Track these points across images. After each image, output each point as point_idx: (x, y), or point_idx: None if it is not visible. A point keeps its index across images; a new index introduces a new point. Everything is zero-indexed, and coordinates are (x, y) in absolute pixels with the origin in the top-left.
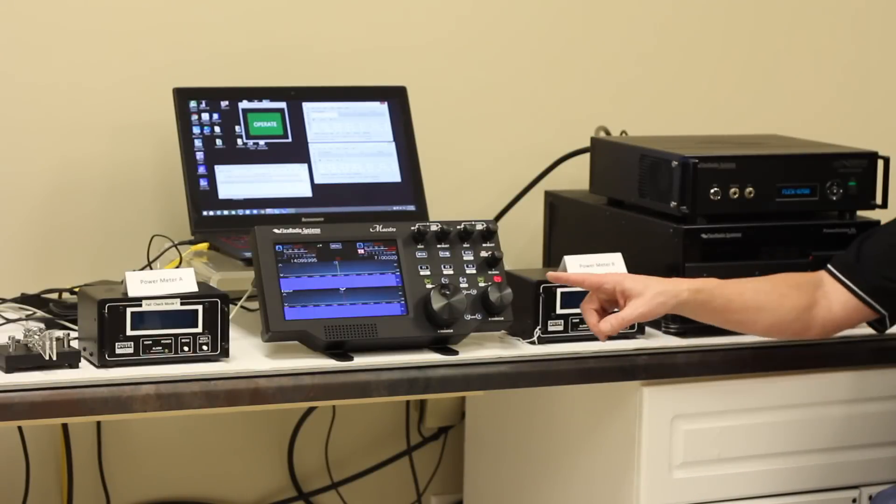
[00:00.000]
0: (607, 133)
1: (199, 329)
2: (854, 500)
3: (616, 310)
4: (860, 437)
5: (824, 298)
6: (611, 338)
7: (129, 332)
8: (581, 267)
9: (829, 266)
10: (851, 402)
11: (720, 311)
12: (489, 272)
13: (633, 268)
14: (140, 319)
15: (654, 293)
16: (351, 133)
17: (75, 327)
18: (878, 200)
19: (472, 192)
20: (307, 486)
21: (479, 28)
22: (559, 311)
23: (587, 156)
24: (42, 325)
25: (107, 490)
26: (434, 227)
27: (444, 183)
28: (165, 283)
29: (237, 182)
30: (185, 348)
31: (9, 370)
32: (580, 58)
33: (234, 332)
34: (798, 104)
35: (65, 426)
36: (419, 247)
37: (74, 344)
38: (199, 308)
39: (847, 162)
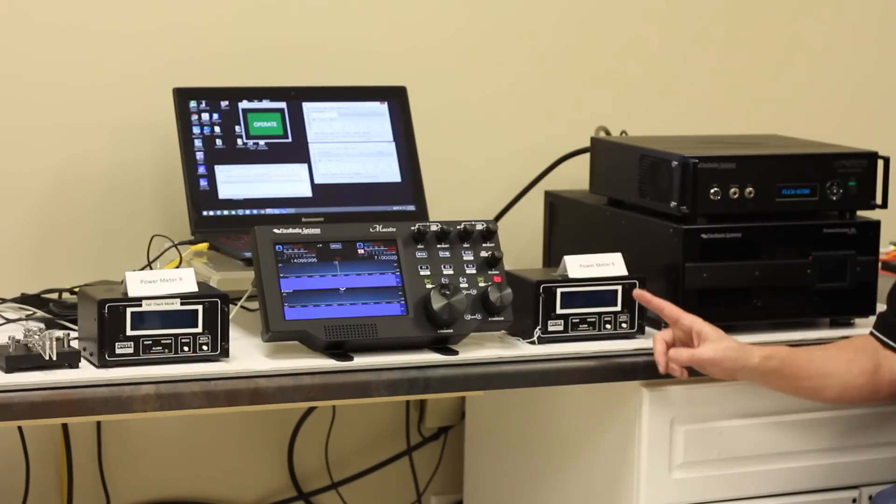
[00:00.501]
0: (607, 133)
1: (199, 329)
2: (854, 500)
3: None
4: (860, 437)
5: (886, 360)
6: (611, 337)
7: (129, 332)
8: (581, 267)
9: (874, 332)
10: None
11: (791, 378)
12: (489, 272)
13: (633, 268)
14: (140, 319)
15: (727, 346)
16: (351, 133)
17: (75, 327)
18: (878, 200)
19: (472, 192)
20: (307, 486)
21: (480, 28)
22: (559, 311)
23: (587, 156)
24: (42, 325)
25: (107, 490)
26: (434, 227)
27: (444, 183)
28: (165, 283)
29: (237, 182)
30: (185, 348)
31: (9, 370)
32: (580, 58)
33: (234, 332)
34: (798, 104)
35: (65, 426)
36: (419, 247)
37: (74, 344)
38: (199, 308)
39: (847, 162)
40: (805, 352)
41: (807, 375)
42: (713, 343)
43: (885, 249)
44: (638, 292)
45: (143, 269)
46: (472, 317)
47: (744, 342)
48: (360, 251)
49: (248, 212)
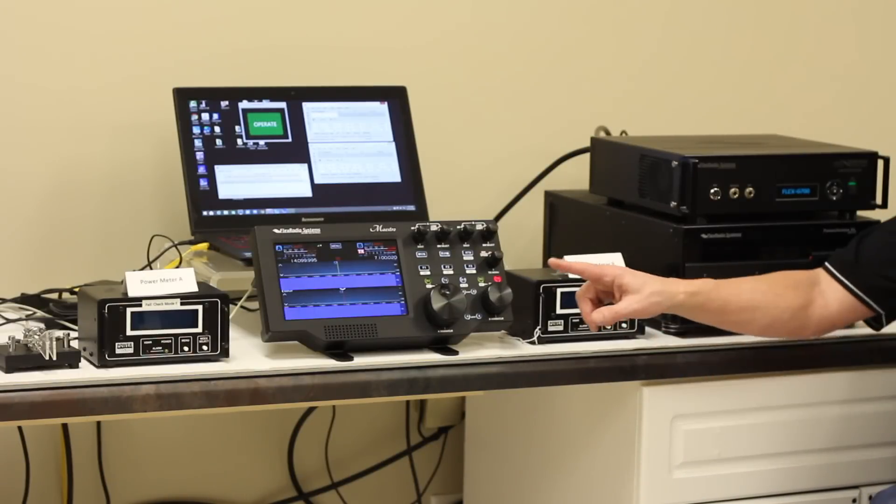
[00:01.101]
0: (607, 133)
1: (199, 329)
2: (854, 500)
3: (611, 302)
4: (860, 437)
5: (821, 296)
6: (611, 337)
7: (129, 332)
8: None
9: (826, 264)
10: (851, 402)
11: (717, 313)
12: (489, 272)
13: (633, 268)
14: (140, 319)
15: (650, 292)
16: (351, 133)
17: (75, 327)
18: (878, 200)
19: (472, 192)
20: (307, 486)
21: (480, 28)
22: (559, 311)
23: (587, 156)
24: (42, 325)
25: (107, 490)
26: (434, 227)
27: (444, 183)
28: (165, 283)
29: (237, 182)
30: (185, 348)
31: (9, 370)
32: (580, 58)
33: (234, 332)
34: (798, 104)
35: (65, 426)
36: (419, 247)
37: (74, 344)
38: (199, 308)
39: (847, 162)
40: (733, 285)
41: (734, 309)
42: (636, 294)
43: None
44: (554, 261)
45: (143, 269)
46: (472, 317)
47: (668, 279)
48: (360, 251)
49: (248, 212)
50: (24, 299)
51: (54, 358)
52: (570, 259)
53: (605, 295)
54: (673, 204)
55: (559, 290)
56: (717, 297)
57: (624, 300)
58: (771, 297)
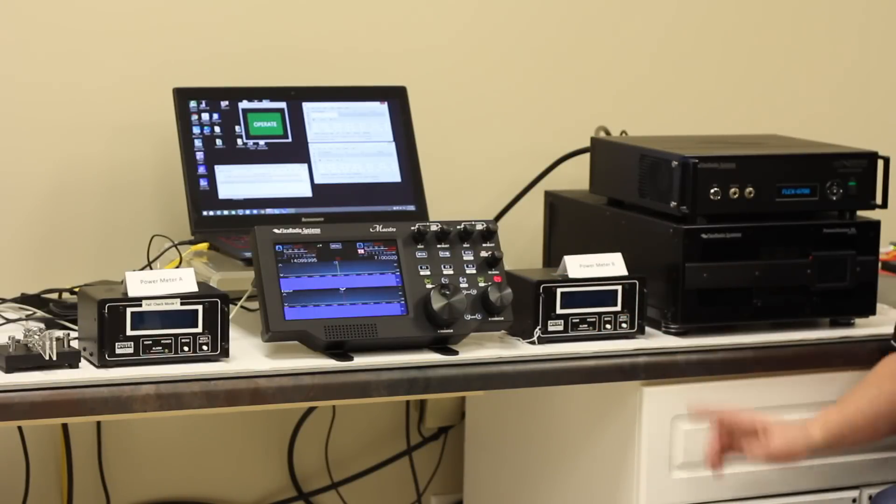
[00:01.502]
0: (607, 133)
1: (199, 329)
2: (854, 500)
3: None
4: None
5: None
6: (611, 337)
7: (129, 332)
8: (581, 267)
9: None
10: None
11: (851, 436)
12: (489, 272)
13: (633, 268)
14: (140, 319)
15: (791, 432)
16: (351, 133)
17: (75, 327)
18: (878, 200)
19: (472, 192)
20: (307, 486)
21: (480, 28)
22: (559, 311)
23: (587, 156)
24: (42, 325)
25: (107, 490)
26: (434, 227)
27: (444, 183)
28: (165, 283)
29: (237, 182)
30: (185, 348)
31: (9, 370)
32: (580, 58)
33: (234, 332)
34: (798, 104)
35: (65, 426)
36: (419, 247)
37: (74, 344)
38: (199, 308)
39: (847, 162)
40: (851, 403)
41: (861, 427)
42: (779, 436)
43: (885, 249)
44: (695, 411)
45: (143, 269)
46: (472, 317)
47: (795, 420)
48: (360, 251)
49: (248, 212)
50: (24, 299)
51: (54, 358)
52: (568, 262)
53: (726, 436)
54: (673, 204)
55: (559, 290)
56: (847, 424)
57: (772, 439)
58: (884, 399)
